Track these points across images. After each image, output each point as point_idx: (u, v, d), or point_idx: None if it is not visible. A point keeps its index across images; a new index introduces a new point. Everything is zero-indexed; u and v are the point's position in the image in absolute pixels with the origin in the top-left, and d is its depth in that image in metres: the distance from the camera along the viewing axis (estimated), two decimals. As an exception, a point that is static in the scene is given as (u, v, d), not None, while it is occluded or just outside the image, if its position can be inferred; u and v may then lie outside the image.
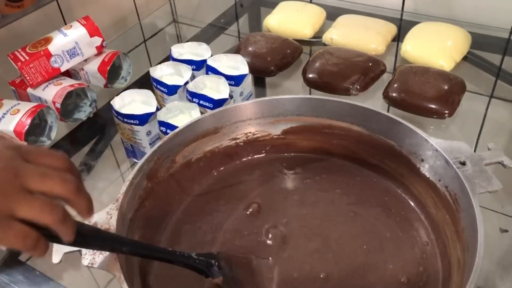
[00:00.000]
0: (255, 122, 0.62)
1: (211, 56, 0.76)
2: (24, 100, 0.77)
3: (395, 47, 0.88)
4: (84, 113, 0.78)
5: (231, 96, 0.66)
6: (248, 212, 0.57)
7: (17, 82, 0.78)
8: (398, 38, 0.90)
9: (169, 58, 0.78)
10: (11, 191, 0.33)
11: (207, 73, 0.73)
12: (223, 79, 0.68)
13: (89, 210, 0.37)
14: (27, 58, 0.72)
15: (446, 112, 0.70)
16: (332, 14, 0.95)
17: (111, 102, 0.65)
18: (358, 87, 0.76)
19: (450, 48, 0.81)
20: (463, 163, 0.49)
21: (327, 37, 0.89)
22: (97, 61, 0.80)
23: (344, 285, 0.49)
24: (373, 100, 0.77)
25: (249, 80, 0.72)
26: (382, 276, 0.50)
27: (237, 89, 0.70)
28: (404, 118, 0.55)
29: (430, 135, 0.53)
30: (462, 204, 0.48)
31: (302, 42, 0.90)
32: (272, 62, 0.83)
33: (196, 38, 0.99)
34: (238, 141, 0.62)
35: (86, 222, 0.46)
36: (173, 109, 0.64)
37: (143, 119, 0.63)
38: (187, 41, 0.89)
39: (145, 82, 0.79)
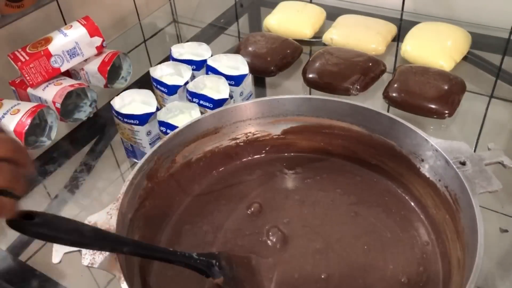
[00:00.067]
0: (255, 122, 0.62)
1: (211, 56, 0.76)
2: (24, 100, 0.77)
3: (395, 47, 0.88)
4: (84, 113, 0.78)
5: (231, 96, 0.66)
6: (249, 212, 0.57)
7: (17, 82, 0.78)
8: (398, 38, 0.90)
9: (169, 58, 0.78)
10: None
11: (207, 73, 0.73)
12: (223, 79, 0.68)
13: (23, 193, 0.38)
14: (27, 58, 0.72)
15: (446, 112, 0.70)
16: (332, 14, 0.95)
17: (111, 102, 0.65)
18: (358, 87, 0.76)
19: (450, 48, 0.81)
20: (463, 163, 0.49)
21: (327, 37, 0.89)
22: (97, 61, 0.80)
23: (344, 286, 0.49)
24: (373, 100, 0.77)
25: (249, 80, 0.72)
26: (383, 276, 0.50)
27: (237, 89, 0.70)
28: (404, 118, 0.55)
29: (430, 135, 0.53)
30: (462, 204, 0.48)
31: (302, 42, 0.90)
32: (272, 62, 0.83)
33: (196, 38, 0.99)
34: (238, 141, 0.62)
35: (86, 222, 0.47)
36: (173, 109, 0.64)
37: (143, 119, 0.63)
38: (187, 41, 0.90)
39: (145, 82, 0.79)
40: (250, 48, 0.85)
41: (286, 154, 0.64)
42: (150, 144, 0.66)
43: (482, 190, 0.47)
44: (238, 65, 0.73)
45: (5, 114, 0.69)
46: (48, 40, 0.75)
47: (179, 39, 1.03)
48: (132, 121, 0.63)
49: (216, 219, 0.57)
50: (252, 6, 1.10)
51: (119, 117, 0.64)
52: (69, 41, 0.76)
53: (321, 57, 0.81)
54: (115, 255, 0.43)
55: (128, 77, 0.84)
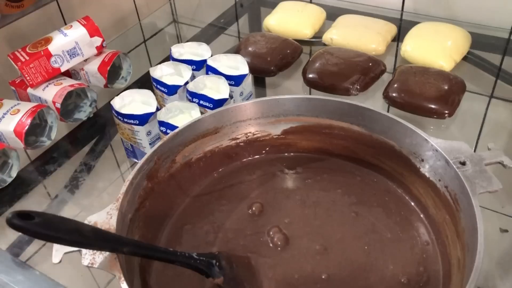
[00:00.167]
0: (255, 122, 0.62)
1: (211, 56, 0.76)
2: (24, 100, 0.77)
3: (395, 47, 0.88)
4: (84, 113, 0.78)
5: (231, 96, 0.66)
6: (250, 212, 0.57)
7: (17, 82, 0.78)
8: (398, 38, 0.90)
9: (169, 58, 0.78)
10: None
11: (207, 73, 0.73)
12: (223, 79, 0.68)
13: None
14: (27, 58, 0.72)
15: (446, 112, 0.70)
16: (332, 14, 0.95)
17: (111, 102, 0.65)
18: (358, 87, 0.76)
19: (450, 48, 0.81)
20: (463, 163, 0.49)
21: (327, 37, 0.89)
22: (97, 61, 0.80)
23: (344, 286, 0.49)
24: (373, 100, 0.77)
25: (249, 80, 0.72)
26: (383, 276, 0.50)
27: (237, 89, 0.70)
28: (404, 118, 0.55)
29: (430, 135, 0.53)
30: (462, 204, 0.48)
31: (302, 42, 0.90)
32: (272, 62, 0.83)
33: (196, 38, 0.99)
34: (238, 141, 0.62)
35: (86, 222, 0.47)
36: (173, 109, 0.64)
37: (143, 119, 0.63)
38: (187, 41, 0.90)
39: (145, 82, 0.79)
40: (250, 48, 0.85)
41: (286, 154, 0.64)
42: (150, 144, 0.66)
43: (482, 190, 0.47)
44: (238, 65, 0.73)
45: (5, 114, 0.69)
46: (48, 40, 0.75)
47: (179, 39, 1.03)
48: (132, 121, 0.64)
49: (216, 219, 0.57)
50: (252, 6, 1.10)
51: (119, 117, 0.64)
52: (69, 41, 0.76)
53: (321, 57, 0.81)
54: (115, 255, 0.43)
55: (128, 77, 0.84)
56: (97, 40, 0.79)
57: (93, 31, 0.78)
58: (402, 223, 0.55)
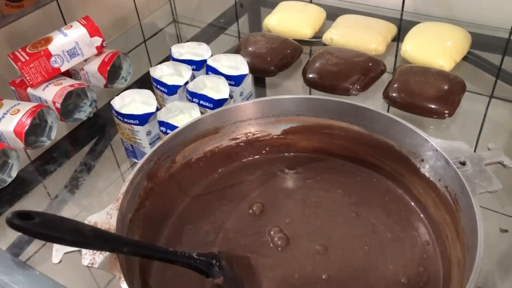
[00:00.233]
0: (255, 122, 0.62)
1: (211, 56, 0.76)
2: (24, 100, 0.77)
3: (395, 47, 0.88)
4: (84, 113, 0.78)
5: (231, 96, 0.66)
6: (250, 212, 0.57)
7: (17, 82, 0.78)
8: (398, 38, 0.90)
9: (169, 58, 0.78)
10: None
11: (207, 73, 0.73)
12: (223, 79, 0.68)
13: None
14: (27, 58, 0.72)
15: (446, 112, 0.70)
16: (332, 14, 0.95)
17: (111, 102, 0.65)
18: (358, 87, 0.76)
19: (450, 48, 0.81)
20: (463, 163, 0.49)
21: (327, 37, 0.89)
22: (97, 61, 0.80)
23: (345, 286, 0.49)
24: (373, 100, 0.77)
25: (249, 80, 0.72)
26: (383, 276, 0.50)
27: (237, 89, 0.70)
28: (404, 118, 0.55)
29: (430, 135, 0.53)
30: (462, 204, 0.48)
31: (302, 42, 0.90)
32: (272, 62, 0.83)
33: (196, 38, 0.99)
34: (238, 141, 0.62)
35: (86, 222, 0.47)
36: (173, 109, 0.64)
37: (143, 119, 0.63)
38: (187, 41, 0.90)
39: (145, 82, 0.79)
40: (250, 48, 0.85)
41: (286, 154, 0.64)
42: (150, 144, 0.66)
43: (482, 190, 0.47)
44: (238, 65, 0.73)
45: (5, 114, 0.69)
46: (48, 40, 0.75)
47: (179, 39, 1.03)
48: (132, 121, 0.63)
49: (217, 219, 0.57)
50: (252, 6, 1.10)
51: (119, 117, 0.64)
52: (69, 41, 0.76)
53: (321, 57, 0.81)
54: (115, 255, 0.43)
55: (128, 77, 0.84)
56: (97, 40, 0.79)
57: (93, 31, 0.78)
58: (402, 223, 0.55)
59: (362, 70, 0.78)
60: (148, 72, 0.73)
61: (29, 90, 0.76)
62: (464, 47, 0.83)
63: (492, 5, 0.88)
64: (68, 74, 0.81)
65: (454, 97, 0.72)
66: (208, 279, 0.47)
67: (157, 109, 0.64)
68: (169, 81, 0.71)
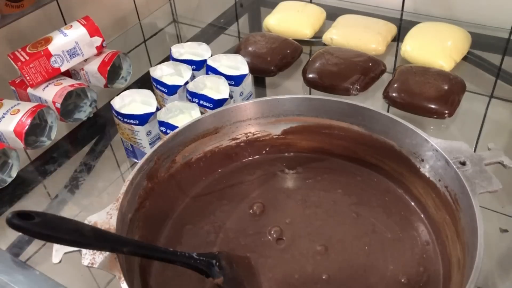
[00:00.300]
0: (255, 122, 0.62)
1: (211, 56, 0.76)
2: (24, 100, 0.77)
3: (395, 47, 0.88)
4: (84, 113, 0.78)
5: (231, 96, 0.66)
6: (251, 212, 0.57)
7: (17, 82, 0.78)
8: (398, 38, 0.90)
9: (169, 58, 0.78)
10: None
11: (207, 73, 0.73)
12: (223, 79, 0.68)
13: None
14: (27, 58, 0.72)
15: (446, 112, 0.70)
16: (332, 14, 0.95)
17: (111, 102, 0.65)
18: (358, 87, 0.76)
19: (450, 48, 0.81)
20: (463, 163, 0.49)
21: (327, 37, 0.89)
22: (97, 61, 0.80)
23: (345, 287, 0.49)
24: (373, 100, 0.77)
25: (249, 80, 0.72)
26: (383, 276, 0.50)
27: (237, 89, 0.70)
28: (404, 118, 0.55)
29: (430, 135, 0.53)
30: (462, 204, 0.48)
31: (302, 42, 0.90)
32: (272, 62, 0.83)
33: (196, 38, 0.99)
34: (238, 141, 0.62)
35: (86, 222, 0.47)
36: (173, 109, 0.64)
37: (143, 119, 0.63)
38: (187, 41, 0.90)
39: (145, 82, 0.79)
40: (250, 48, 0.85)
41: (286, 154, 0.64)
42: (150, 144, 0.66)
43: (482, 190, 0.47)
44: (238, 65, 0.73)
45: (5, 114, 0.69)
46: (48, 40, 0.75)
47: (179, 39, 1.03)
48: (132, 121, 0.64)
49: (217, 219, 0.57)
50: (252, 6, 1.10)
51: (119, 117, 0.64)
52: (69, 41, 0.76)
53: (321, 57, 0.81)
54: (115, 255, 0.43)
55: (128, 77, 0.84)
56: (97, 40, 0.79)
57: (93, 31, 0.78)
58: (402, 223, 0.55)
59: (362, 70, 0.78)
60: (148, 72, 0.73)
61: (29, 90, 0.76)
62: (464, 47, 0.83)
63: (492, 5, 0.88)
64: (68, 74, 0.81)
65: (454, 97, 0.72)
66: (208, 279, 0.47)
67: (157, 109, 0.64)
68: (169, 81, 0.71)
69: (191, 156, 0.59)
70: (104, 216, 0.47)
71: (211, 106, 0.65)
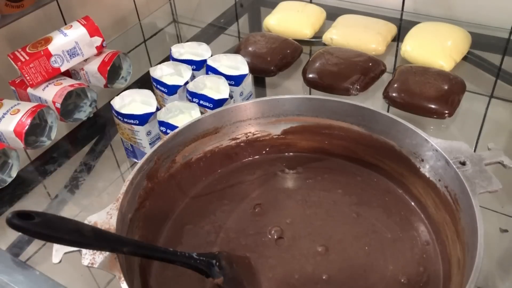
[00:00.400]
0: (255, 122, 0.62)
1: (211, 56, 0.76)
2: (24, 100, 0.77)
3: (395, 47, 0.88)
4: (84, 113, 0.78)
5: (231, 96, 0.66)
6: (251, 212, 0.57)
7: (17, 82, 0.78)
8: (398, 38, 0.90)
9: (169, 58, 0.78)
10: None
11: (207, 73, 0.73)
12: (223, 79, 0.68)
13: None
14: (27, 58, 0.72)
15: (446, 112, 0.70)
16: (332, 14, 0.95)
17: (111, 102, 0.65)
18: (358, 87, 0.76)
19: (450, 48, 0.81)
20: (463, 163, 0.49)
21: (327, 37, 0.89)
22: (97, 61, 0.80)
23: (345, 287, 0.49)
24: (373, 100, 0.77)
25: (249, 80, 0.72)
26: (383, 276, 0.50)
27: (237, 89, 0.70)
28: (404, 118, 0.55)
29: (430, 135, 0.53)
30: (462, 204, 0.48)
31: (302, 42, 0.90)
32: (272, 62, 0.83)
33: (196, 38, 0.99)
34: (238, 141, 0.62)
35: (86, 222, 0.47)
36: (173, 109, 0.64)
37: (143, 119, 0.63)
38: (187, 41, 0.90)
39: (145, 82, 0.79)
40: (250, 48, 0.85)
41: (286, 154, 0.64)
42: (150, 144, 0.66)
43: (482, 190, 0.47)
44: (238, 65, 0.73)
45: (5, 114, 0.69)
46: (48, 40, 0.75)
47: (179, 39, 1.03)
48: (132, 121, 0.63)
49: (218, 219, 0.57)
50: (252, 6, 1.10)
51: (119, 117, 0.64)
52: (69, 41, 0.76)
53: (321, 57, 0.81)
54: (115, 255, 0.43)
55: (128, 77, 0.84)
56: (97, 40, 0.79)
57: (93, 31, 0.78)
58: (402, 223, 0.55)
59: (362, 70, 0.78)
60: (148, 72, 0.73)
61: (29, 90, 0.76)
62: (464, 47, 0.83)
63: (492, 5, 0.88)
64: (68, 74, 0.81)
65: (454, 97, 0.72)
66: (208, 279, 0.47)
67: (157, 109, 0.64)
68: (169, 81, 0.71)
69: (191, 156, 0.59)
70: (104, 216, 0.47)
71: (211, 106, 0.65)
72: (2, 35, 0.80)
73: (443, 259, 0.50)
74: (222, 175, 0.62)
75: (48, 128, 0.74)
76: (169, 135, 0.56)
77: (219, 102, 0.65)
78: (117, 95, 0.66)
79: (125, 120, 0.64)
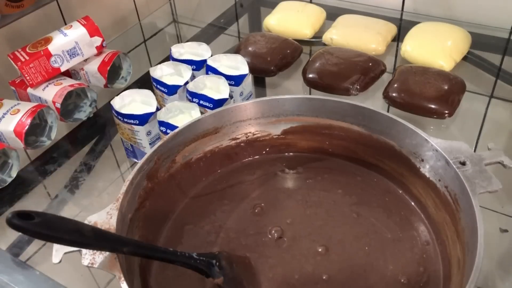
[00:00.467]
0: (255, 122, 0.62)
1: (211, 56, 0.76)
2: (24, 100, 0.77)
3: (395, 47, 0.88)
4: (84, 113, 0.78)
5: (231, 96, 0.66)
6: (251, 212, 0.57)
7: (17, 82, 0.78)
8: (398, 38, 0.90)
9: (169, 58, 0.78)
10: None
11: (207, 73, 0.73)
12: (223, 79, 0.68)
13: None
14: (27, 58, 0.72)
15: (446, 112, 0.70)
16: (332, 14, 0.95)
17: (111, 102, 0.65)
18: (358, 87, 0.76)
19: (450, 48, 0.81)
20: (463, 163, 0.49)
21: (327, 37, 0.89)
22: (97, 61, 0.80)
23: (345, 287, 0.49)
24: (373, 100, 0.77)
25: (249, 80, 0.72)
26: (383, 277, 0.50)
27: (237, 89, 0.70)
28: (404, 118, 0.55)
29: (430, 135, 0.53)
30: (462, 204, 0.48)
31: (302, 42, 0.90)
32: (272, 62, 0.83)
33: (196, 38, 0.99)
34: (238, 141, 0.62)
35: (86, 222, 0.47)
36: (173, 109, 0.64)
37: (143, 119, 0.63)
38: (187, 41, 0.90)
39: (145, 82, 0.79)
40: (250, 48, 0.85)
41: (286, 154, 0.64)
42: (150, 144, 0.66)
43: (482, 190, 0.47)
44: (238, 65, 0.73)
45: (5, 114, 0.69)
46: (48, 40, 0.75)
47: (179, 39, 1.03)
48: (132, 121, 0.63)
49: (218, 219, 0.57)
50: (252, 6, 1.10)
51: (119, 117, 0.64)
52: (69, 41, 0.76)
53: (321, 57, 0.81)
54: (115, 255, 0.43)
55: (128, 77, 0.84)
56: (97, 40, 0.79)
57: (93, 31, 0.78)
58: (402, 223, 0.55)
59: (362, 70, 0.78)
60: (148, 72, 0.73)
61: (29, 90, 0.76)
62: (464, 47, 0.83)
63: (492, 5, 0.88)
64: (68, 74, 0.81)
65: (454, 97, 0.72)
66: (208, 279, 0.47)
67: (157, 109, 0.64)
68: (169, 81, 0.71)
69: (191, 156, 0.59)
70: (104, 216, 0.47)
71: (211, 106, 0.65)
72: (2, 35, 0.80)
73: (443, 259, 0.50)
74: (222, 175, 0.62)
75: (48, 128, 0.74)
76: (169, 135, 0.56)
77: (219, 102, 0.65)
78: (117, 95, 0.66)
79: (125, 120, 0.64)
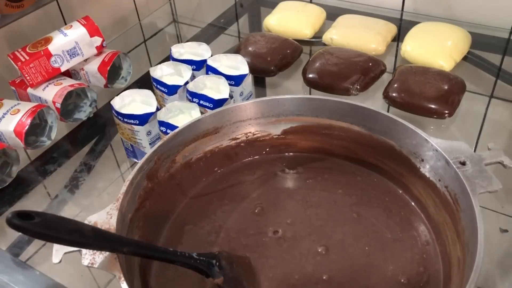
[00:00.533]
0: (255, 122, 0.62)
1: (211, 56, 0.76)
2: (24, 100, 0.77)
3: (395, 47, 0.88)
4: (84, 113, 0.78)
5: (231, 96, 0.66)
6: (251, 212, 0.57)
7: (17, 82, 0.78)
8: (398, 38, 0.90)
9: (169, 58, 0.78)
10: None
11: (207, 73, 0.73)
12: (223, 79, 0.68)
13: None
14: (27, 58, 0.72)
15: (446, 112, 0.70)
16: (332, 14, 0.95)
17: (111, 102, 0.65)
18: (358, 87, 0.76)
19: (450, 48, 0.81)
20: (463, 163, 0.49)
21: (327, 37, 0.89)
22: (97, 61, 0.80)
23: (345, 287, 0.49)
24: (373, 100, 0.77)
25: (249, 80, 0.72)
26: (383, 277, 0.50)
27: (237, 89, 0.70)
28: (404, 118, 0.55)
29: (430, 135, 0.53)
30: (462, 204, 0.48)
31: (302, 42, 0.90)
32: (272, 62, 0.83)
33: (196, 38, 0.99)
34: (238, 141, 0.62)
35: (86, 222, 0.47)
36: (173, 109, 0.64)
37: (143, 119, 0.63)
38: (187, 41, 0.90)
39: (145, 82, 0.79)
40: (250, 48, 0.85)
41: (286, 154, 0.64)
42: (150, 144, 0.66)
43: (482, 190, 0.47)
44: (238, 65, 0.73)
45: (5, 114, 0.69)
46: (48, 40, 0.75)
47: (179, 39, 1.03)
48: (132, 121, 0.63)
49: (218, 219, 0.57)
50: (252, 6, 1.10)
51: (119, 117, 0.64)
52: (69, 41, 0.76)
53: (321, 57, 0.81)
54: (115, 255, 0.43)
55: (128, 77, 0.84)
56: (97, 40, 0.79)
57: (93, 31, 0.78)
58: (402, 223, 0.55)
59: (362, 70, 0.78)
60: (148, 72, 0.73)
61: (29, 90, 0.76)
62: (464, 47, 0.83)
63: (492, 5, 0.88)
64: (68, 74, 0.81)
65: (454, 97, 0.72)
66: (208, 279, 0.46)
67: (157, 109, 0.64)
68: (169, 81, 0.71)
69: (191, 156, 0.59)
70: (104, 216, 0.47)
71: (211, 106, 0.65)
72: (2, 35, 0.80)
73: (443, 259, 0.50)
74: (222, 175, 0.62)
75: (48, 128, 0.74)
76: (169, 135, 0.56)
77: (219, 102, 0.65)
78: (117, 95, 0.66)
79: (125, 120, 0.64)
